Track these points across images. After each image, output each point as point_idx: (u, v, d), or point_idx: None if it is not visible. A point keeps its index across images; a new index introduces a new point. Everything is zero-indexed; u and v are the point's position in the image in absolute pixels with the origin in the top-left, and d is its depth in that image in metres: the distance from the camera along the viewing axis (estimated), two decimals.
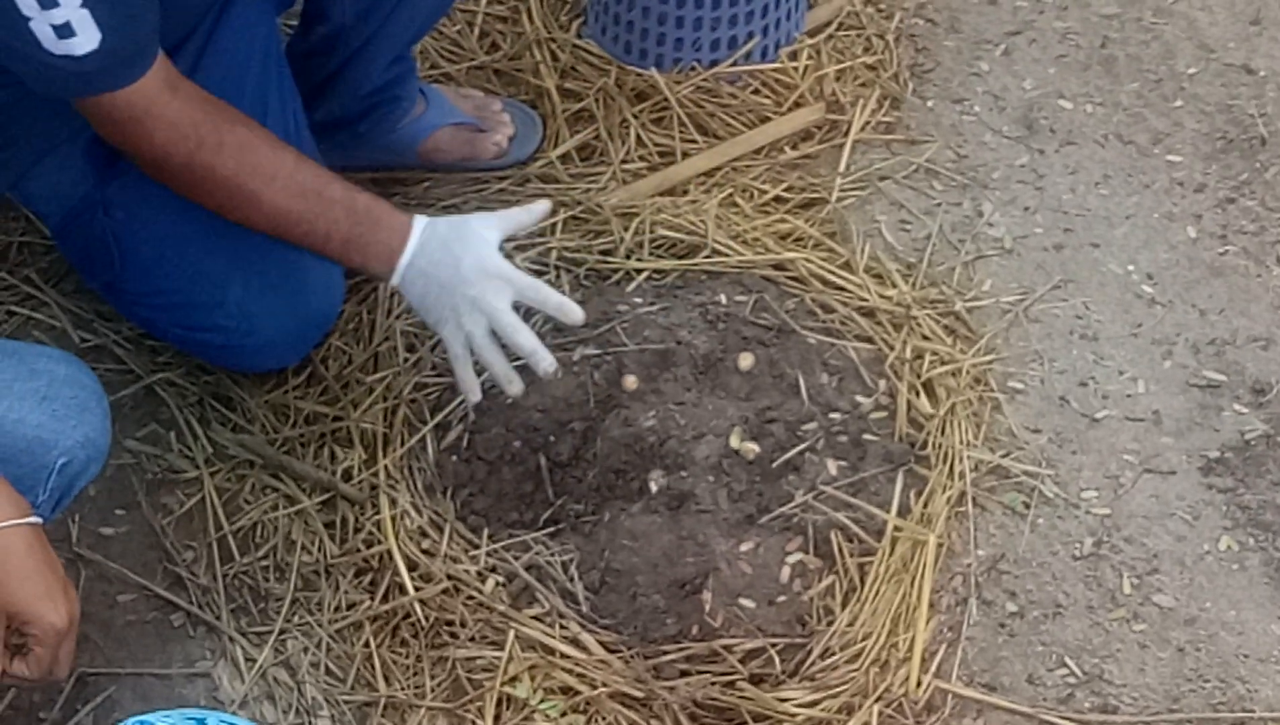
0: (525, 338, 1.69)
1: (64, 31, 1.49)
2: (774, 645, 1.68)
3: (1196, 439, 1.86)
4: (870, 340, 1.92)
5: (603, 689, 1.66)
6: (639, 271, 1.96)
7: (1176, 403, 1.89)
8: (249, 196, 1.65)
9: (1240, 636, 1.71)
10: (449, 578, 1.73)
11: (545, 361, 1.69)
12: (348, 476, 1.82)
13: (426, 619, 1.71)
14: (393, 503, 1.79)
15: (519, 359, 1.70)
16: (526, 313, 1.72)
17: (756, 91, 2.20)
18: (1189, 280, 2.00)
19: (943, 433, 1.83)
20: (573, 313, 1.70)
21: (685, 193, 2.08)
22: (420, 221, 1.70)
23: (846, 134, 2.15)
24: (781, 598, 1.71)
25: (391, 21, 1.93)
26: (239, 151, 1.64)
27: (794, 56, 2.22)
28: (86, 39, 1.50)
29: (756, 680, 1.67)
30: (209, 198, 1.67)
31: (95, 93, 1.57)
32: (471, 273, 1.67)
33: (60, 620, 1.33)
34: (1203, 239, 2.04)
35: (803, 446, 1.79)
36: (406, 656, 1.70)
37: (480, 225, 1.71)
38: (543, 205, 1.77)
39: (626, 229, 1.99)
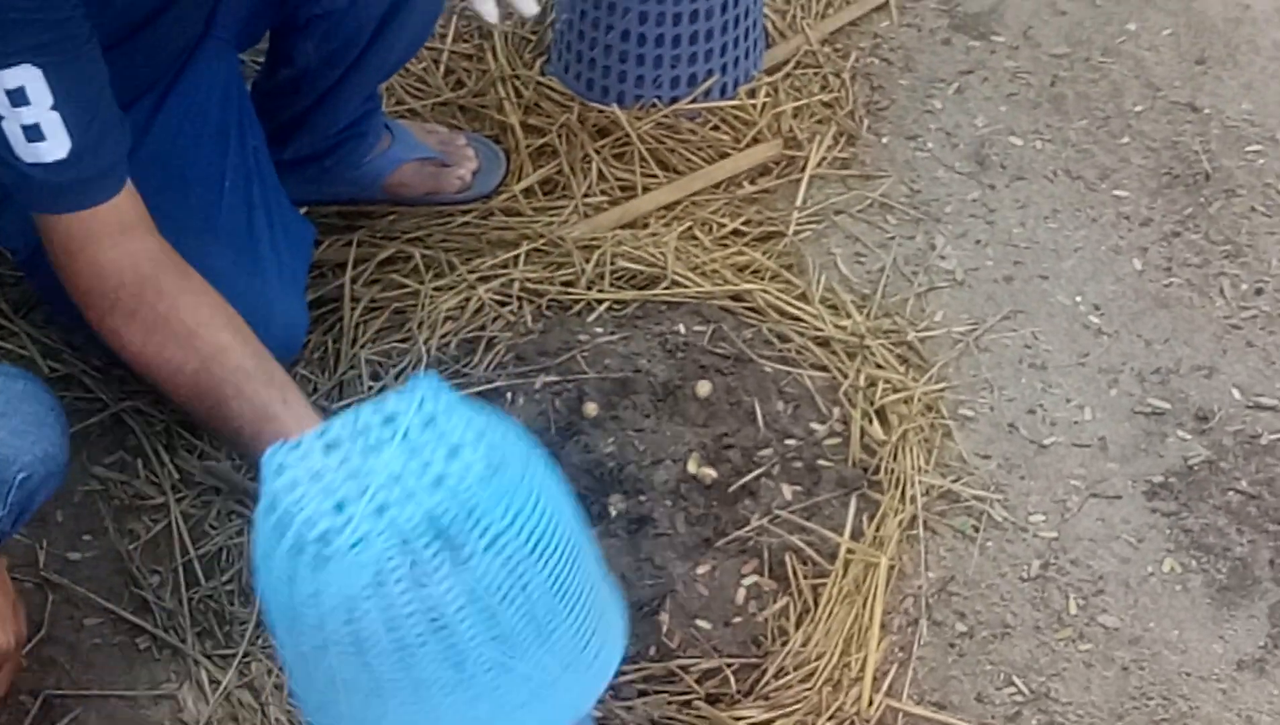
0: None
1: (33, 134, 1.44)
2: (730, 665, 1.72)
3: (1141, 464, 1.91)
4: (825, 369, 1.96)
5: None
6: (600, 302, 2.00)
7: (1122, 429, 1.94)
8: (154, 377, 1.49)
9: (1183, 655, 1.75)
10: None
11: None
12: None
13: None
14: None
15: None
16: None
17: (716, 128, 2.25)
18: (1135, 311, 2.06)
19: (895, 458, 1.88)
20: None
21: (646, 226, 2.13)
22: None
23: (803, 169, 2.21)
24: (737, 619, 1.75)
25: (360, 67, 1.97)
26: (148, 329, 1.48)
27: (753, 94, 2.28)
28: (56, 145, 1.44)
29: (712, 700, 1.70)
30: (119, 357, 1.52)
31: (58, 211, 1.48)
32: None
33: (6, 642, 1.34)
34: (1148, 271, 2.10)
35: (759, 472, 1.83)
36: None
37: None
38: None
39: (588, 261, 2.04)
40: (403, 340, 1.99)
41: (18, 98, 1.43)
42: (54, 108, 1.44)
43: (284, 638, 1.28)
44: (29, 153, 1.45)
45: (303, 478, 1.22)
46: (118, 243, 1.50)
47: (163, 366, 1.48)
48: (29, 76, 1.42)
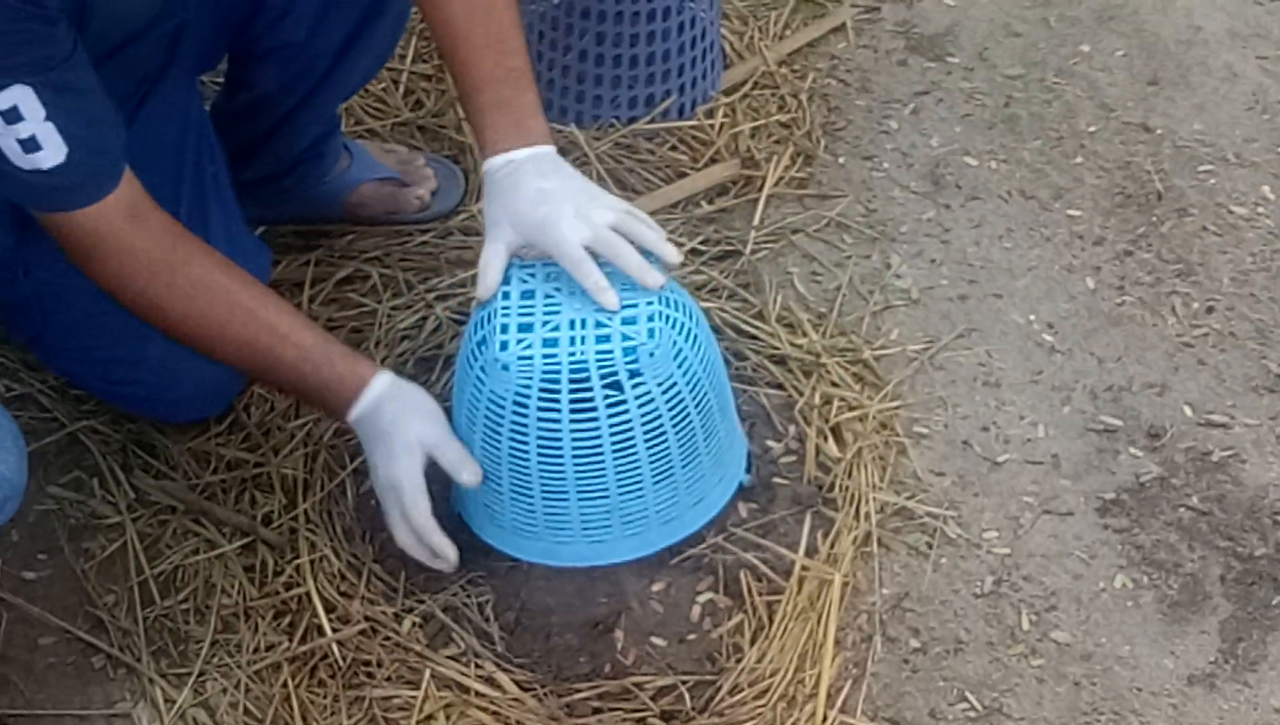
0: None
1: (30, 146, 1.49)
2: (684, 682, 1.73)
3: (1093, 481, 1.92)
4: (781, 387, 1.98)
5: None
6: None
7: (1074, 447, 1.96)
8: (199, 341, 1.65)
9: (1134, 670, 1.77)
10: (366, 619, 1.76)
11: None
12: (268, 521, 1.85)
13: (344, 660, 1.74)
14: (312, 547, 1.82)
15: None
16: None
17: (674, 148, 2.27)
18: (1088, 329, 2.08)
19: (850, 476, 1.89)
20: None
21: None
22: (381, 380, 1.65)
23: (760, 189, 2.22)
24: (692, 636, 1.76)
25: (320, 92, 1.97)
26: (191, 293, 1.61)
27: (710, 114, 2.30)
28: (53, 152, 1.49)
29: (667, 717, 1.71)
30: (160, 325, 1.65)
31: (65, 208, 1.56)
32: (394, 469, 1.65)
33: None
34: (1101, 290, 2.12)
35: None
36: (324, 696, 1.73)
37: (418, 434, 1.66)
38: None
39: None
40: None
41: (11, 116, 1.47)
42: (48, 119, 1.48)
43: (455, 405, 1.69)
44: (27, 162, 1.50)
45: (512, 297, 1.65)
46: (137, 222, 1.58)
47: (211, 330, 1.62)
48: (21, 95, 1.46)
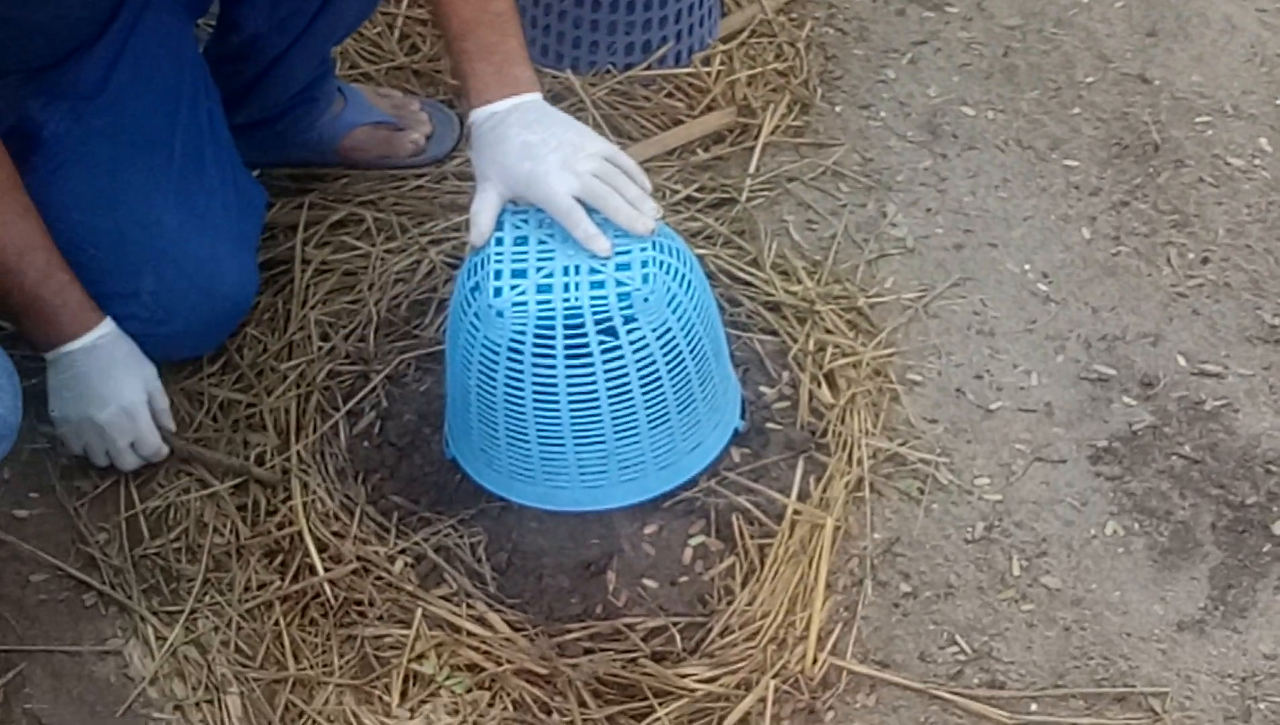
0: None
1: None
2: (675, 624, 1.73)
3: (1086, 429, 1.92)
4: (775, 333, 1.97)
5: (508, 666, 1.70)
6: None
7: (1068, 395, 1.96)
8: None
9: (1124, 616, 1.77)
10: (359, 559, 1.76)
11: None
12: (261, 461, 1.85)
13: (336, 599, 1.75)
14: (304, 487, 1.82)
15: None
16: None
17: (670, 95, 2.26)
18: (1083, 279, 2.07)
19: (843, 422, 1.89)
20: None
21: None
22: (103, 326, 1.75)
23: (757, 137, 2.21)
24: (683, 578, 1.76)
25: (310, 32, 1.97)
26: None
27: (707, 62, 2.29)
28: None
29: (658, 657, 1.71)
30: None
31: None
32: (112, 410, 1.76)
33: None
34: (1097, 240, 2.12)
35: None
36: (316, 635, 1.74)
37: (131, 384, 1.77)
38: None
39: None
40: (353, 302, 1.99)
41: None
42: None
43: (449, 350, 1.71)
44: None
45: (506, 244, 1.65)
46: None
47: None
48: None
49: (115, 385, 1.75)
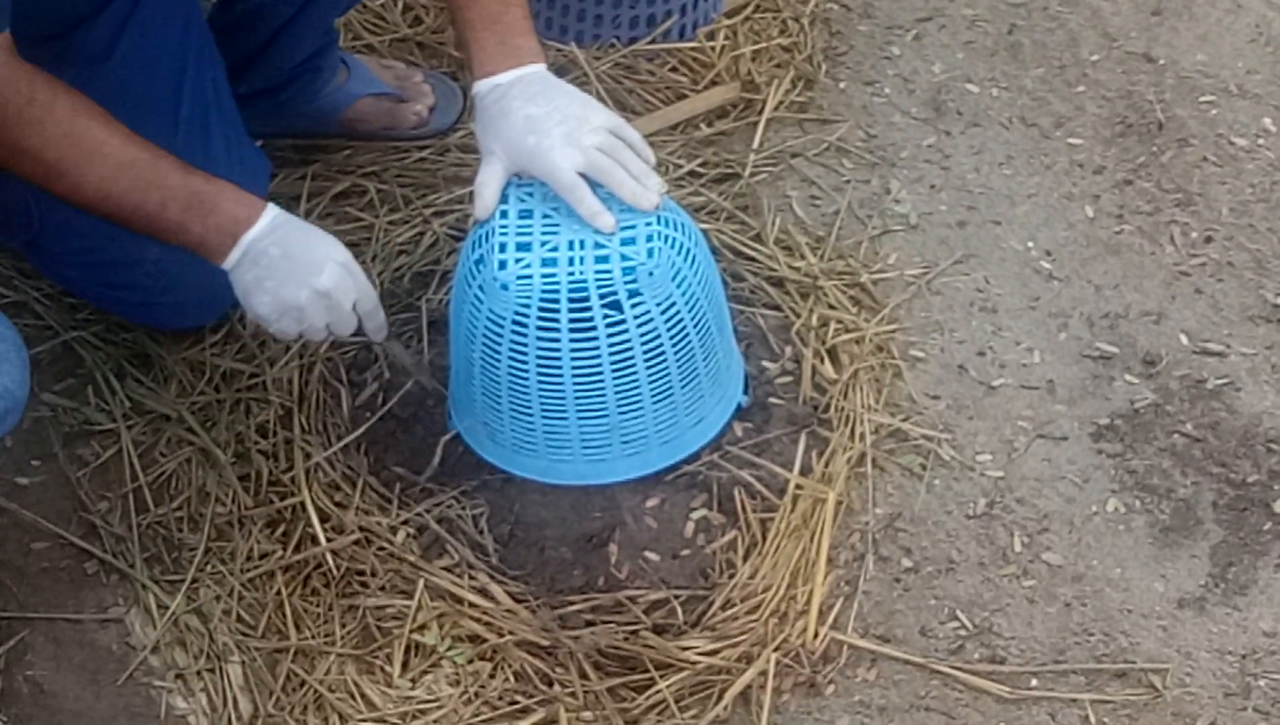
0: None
1: None
2: (677, 597, 1.73)
3: (1088, 407, 1.93)
4: (778, 308, 1.97)
5: (509, 637, 1.70)
6: None
7: (1070, 372, 1.96)
8: (83, 154, 1.57)
9: (1124, 593, 1.77)
10: (360, 529, 1.76)
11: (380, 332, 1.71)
12: (263, 432, 1.85)
13: (338, 569, 1.75)
14: (306, 457, 1.82)
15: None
16: None
17: (674, 69, 2.25)
18: (1085, 257, 2.07)
19: (845, 397, 1.89)
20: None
21: None
22: (272, 207, 1.64)
23: (761, 112, 2.21)
24: (685, 551, 1.76)
25: (315, 3, 1.96)
26: (72, 111, 1.57)
27: (711, 36, 2.28)
28: None
29: (659, 630, 1.72)
30: (37, 160, 1.57)
31: None
32: (330, 267, 1.63)
33: None
34: (1100, 218, 2.11)
35: None
36: (317, 605, 1.74)
37: (331, 242, 1.67)
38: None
39: None
40: None
41: None
42: None
43: (454, 323, 1.71)
44: None
45: (510, 217, 1.65)
46: (10, 55, 1.53)
47: (94, 142, 1.56)
48: None
49: (321, 247, 1.64)
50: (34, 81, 1.55)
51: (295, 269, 1.62)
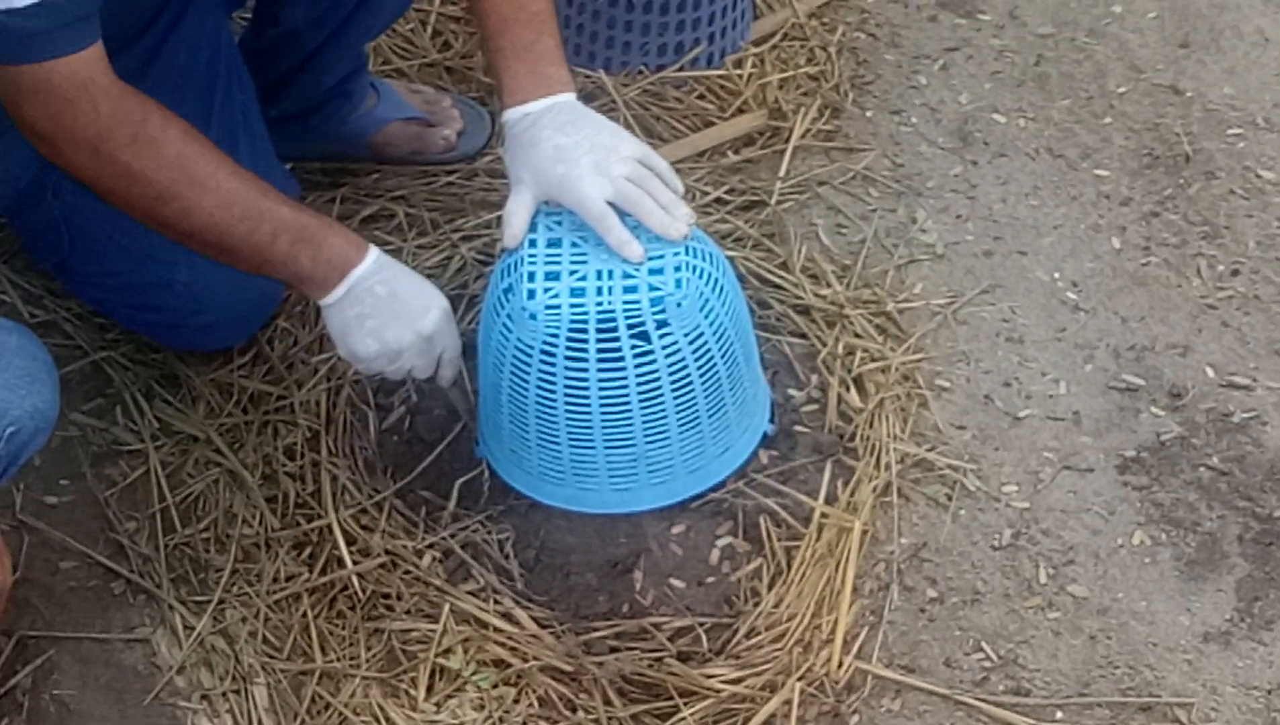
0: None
1: None
2: (702, 624, 1.73)
3: (1114, 439, 1.92)
4: (804, 336, 1.98)
5: (534, 662, 1.70)
6: None
7: (1096, 404, 1.96)
8: (196, 180, 1.56)
9: (1150, 626, 1.77)
10: (387, 553, 1.77)
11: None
12: (291, 454, 1.86)
13: (364, 592, 1.75)
14: (334, 480, 1.83)
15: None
16: None
17: (701, 96, 2.26)
18: (1112, 288, 2.07)
19: (871, 426, 1.89)
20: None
21: None
22: (374, 247, 1.65)
23: (787, 140, 2.22)
24: (710, 579, 1.76)
25: (346, 28, 1.97)
26: (185, 135, 1.56)
27: (739, 64, 2.29)
28: None
29: (684, 657, 1.72)
30: (149, 184, 1.55)
31: (38, 58, 1.46)
32: (434, 313, 1.65)
33: (3, 579, 1.35)
34: (1126, 250, 2.12)
35: None
36: (343, 628, 1.74)
37: (433, 289, 1.67)
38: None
39: None
40: None
41: None
42: None
43: (482, 351, 1.71)
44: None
45: (539, 246, 1.65)
46: (117, 84, 1.52)
47: (209, 166, 1.56)
48: None
49: (427, 293, 1.65)
50: (145, 103, 1.55)
51: (401, 311, 1.63)
